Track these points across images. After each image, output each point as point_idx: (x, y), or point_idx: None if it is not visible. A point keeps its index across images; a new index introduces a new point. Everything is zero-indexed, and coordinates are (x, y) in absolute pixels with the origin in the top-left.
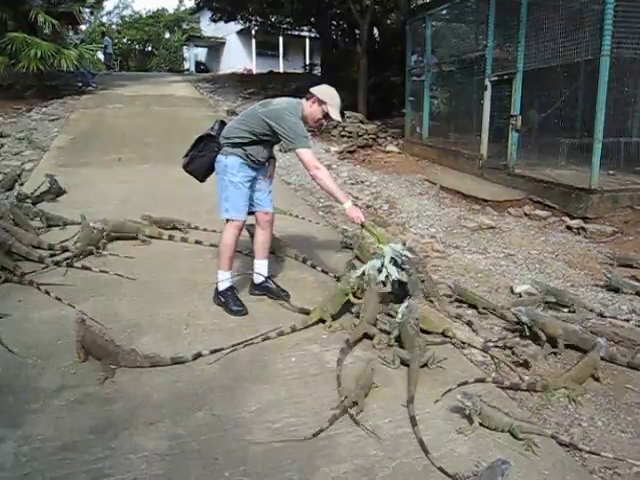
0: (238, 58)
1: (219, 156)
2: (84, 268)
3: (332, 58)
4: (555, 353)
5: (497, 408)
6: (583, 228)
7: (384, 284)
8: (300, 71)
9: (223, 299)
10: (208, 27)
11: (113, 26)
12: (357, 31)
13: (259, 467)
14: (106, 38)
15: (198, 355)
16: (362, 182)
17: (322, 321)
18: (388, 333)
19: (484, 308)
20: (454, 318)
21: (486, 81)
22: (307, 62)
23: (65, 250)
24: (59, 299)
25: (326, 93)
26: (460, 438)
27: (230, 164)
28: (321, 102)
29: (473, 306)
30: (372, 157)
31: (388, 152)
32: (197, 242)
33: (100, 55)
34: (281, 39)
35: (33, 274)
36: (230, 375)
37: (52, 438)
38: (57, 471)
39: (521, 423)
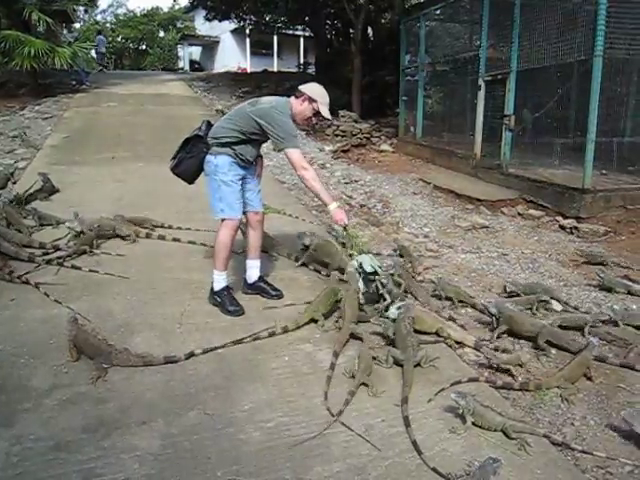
0: (232, 57)
1: (208, 156)
2: (74, 267)
3: (326, 57)
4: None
5: (490, 407)
6: (576, 228)
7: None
8: (294, 70)
9: (219, 299)
10: (202, 26)
11: (107, 24)
12: (351, 30)
13: (252, 466)
14: (99, 37)
15: (191, 354)
16: (356, 181)
17: (314, 321)
18: (380, 335)
19: (460, 301)
20: (439, 313)
21: (480, 81)
22: (301, 61)
23: (57, 249)
24: (58, 302)
25: (316, 91)
26: (453, 437)
27: (220, 164)
28: (311, 100)
29: (449, 298)
30: (366, 156)
31: (382, 151)
32: (175, 240)
33: (93, 54)
34: (275, 38)
35: (28, 274)
36: (223, 374)
37: (44, 438)
38: (49, 471)
39: (514, 422)
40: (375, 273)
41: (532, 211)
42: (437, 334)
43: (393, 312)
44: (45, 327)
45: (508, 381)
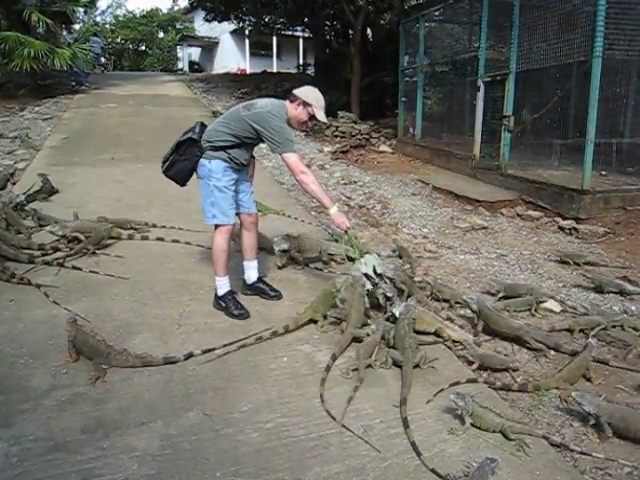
0: (232, 58)
1: (202, 160)
2: (75, 268)
3: (326, 58)
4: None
5: (489, 408)
6: (575, 229)
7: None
8: (294, 71)
9: (224, 304)
10: (202, 27)
11: (107, 25)
12: (351, 31)
13: (251, 467)
14: (94, 39)
15: (190, 355)
16: (355, 182)
17: (314, 321)
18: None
19: (457, 303)
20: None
21: (479, 82)
22: (301, 62)
23: (57, 250)
24: (57, 303)
25: (310, 95)
26: (452, 438)
27: (215, 168)
28: (306, 104)
29: (446, 300)
30: (365, 157)
31: (381, 152)
32: (159, 239)
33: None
34: (275, 39)
35: (28, 274)
36: (222, 375)
37: (43, 438)
38: (48, 471)
39: (512, 424)
40: (381, 275)
41: (531, 212)
42: (436, 334)
43: (400, 310)
44: (44, 328)
45: (507, 382)
